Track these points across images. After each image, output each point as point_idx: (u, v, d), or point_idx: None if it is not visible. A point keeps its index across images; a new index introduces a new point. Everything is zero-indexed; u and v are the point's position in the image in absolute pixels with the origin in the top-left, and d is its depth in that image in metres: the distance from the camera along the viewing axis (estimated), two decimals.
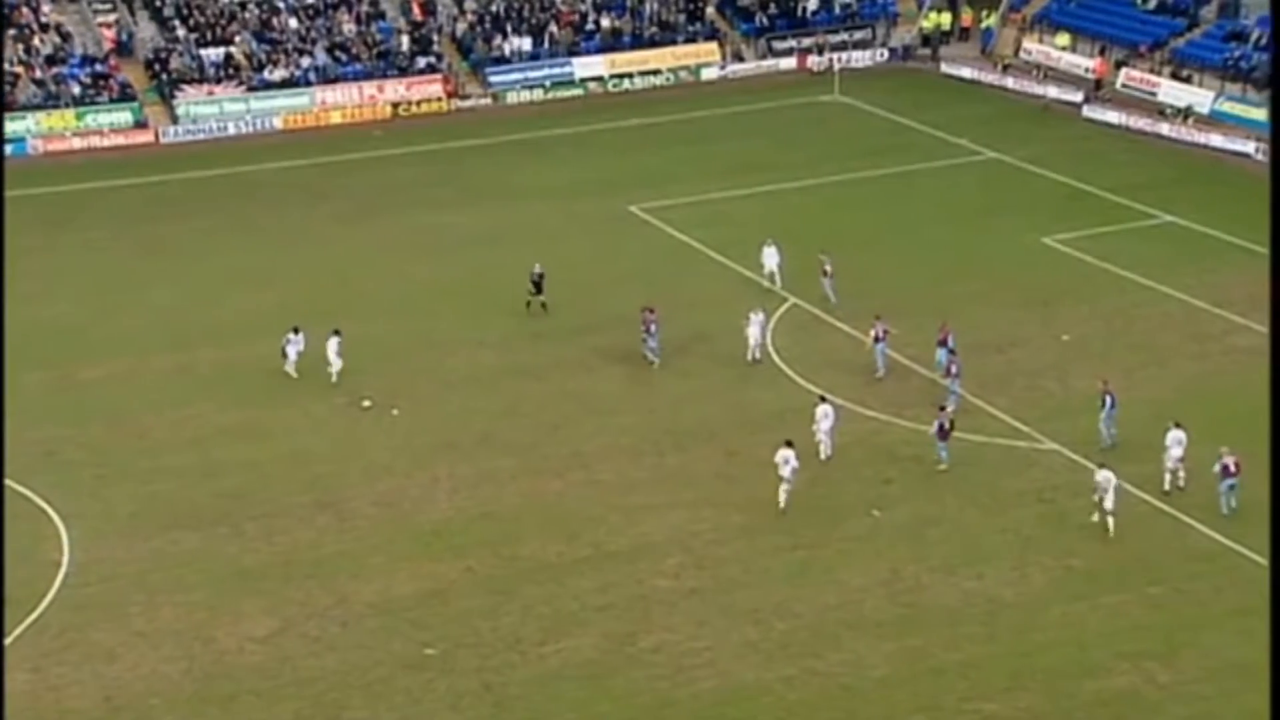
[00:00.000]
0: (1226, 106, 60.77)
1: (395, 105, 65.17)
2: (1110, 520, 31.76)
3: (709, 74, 69.58)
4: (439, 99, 65.76)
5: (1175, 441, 33.25)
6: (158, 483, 34.53)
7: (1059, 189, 53.91)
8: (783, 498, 32.54)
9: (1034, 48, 70.08)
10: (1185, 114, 60.62)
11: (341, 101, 64.86)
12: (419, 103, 65.39)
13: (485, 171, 57.31)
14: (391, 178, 57.01)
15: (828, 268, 43.23)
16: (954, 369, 37.40)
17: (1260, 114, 59.54)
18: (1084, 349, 40.47)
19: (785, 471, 32.32)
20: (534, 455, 35.41)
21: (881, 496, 33.50)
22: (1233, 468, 31.99)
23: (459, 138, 61.54)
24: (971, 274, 45.89)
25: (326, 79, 65.58)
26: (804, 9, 73.34)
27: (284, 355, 39.03)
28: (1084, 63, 67.38)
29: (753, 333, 39.24)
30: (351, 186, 56.00)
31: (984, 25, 73.53)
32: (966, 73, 68.96)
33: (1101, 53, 67.01)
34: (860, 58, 71.72)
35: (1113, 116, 61.75)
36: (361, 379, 38.66)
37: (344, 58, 66.77)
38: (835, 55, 70.71)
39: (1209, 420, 35.41)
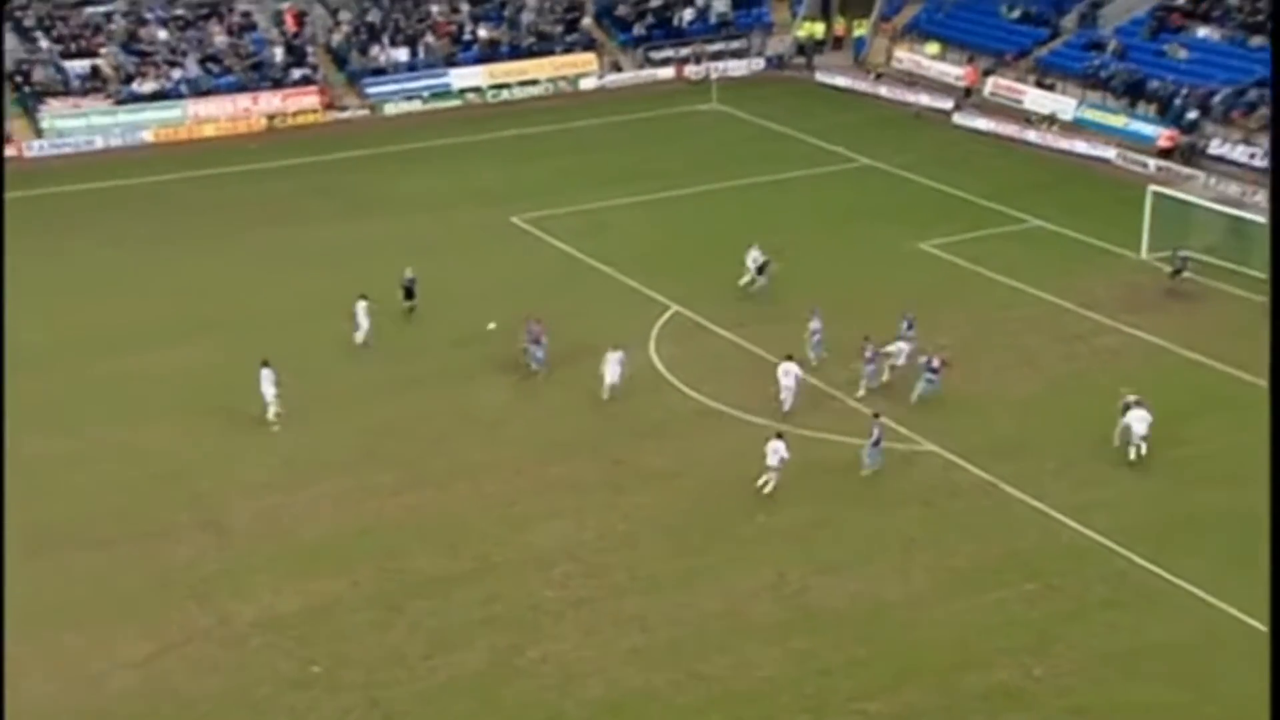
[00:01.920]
0: (1088, 114, 62.02)
1: (270, 117, 64.21)
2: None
3: (587, 84, 69.48)
4: (315, 111, 64.92)
5: (1139, 420, 34.53)
6: (28, 503, 33.49)
7: (933, 195, 54.60)
8: (769, 484, 33.14)
9: (905, 56, 70.97)
10: (1050, 121, 61.76)
11: (214, 114, 63.74)
12: (295, 115, 64.50)
13: (364, 183, 56.63)
14: (268, 190, 56.11)
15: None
16: (869, 358, 37.84)
17: (1119, 120, 60.87)
18: (960, 351, 40.88)
19: (773, 461, 33.04)
20: (417, 468, 34.95)
21: (768, 501, 33.54)
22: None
23: (336, 150, 60.77)
24: (851, 279, 46.22)
25: (198, 91, 64.39)
26: (680, 19, 73.61)
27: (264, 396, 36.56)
28: (953, 71, 68.36)
29: (610, 370, 37.67)
30: (226, 200, 55.01)
31: (856, 35, 74.47)
32: (840, 81, 69.60)
33: (970, 61, 68.04)
34: (737, 67, 72.11)
35: (982, 124, 62.72)
36: (236, 394, 37.79)
37: (216, 69, 65.60)
38: (712, 65, 71.05)
39: (1078, 417, 35.98)
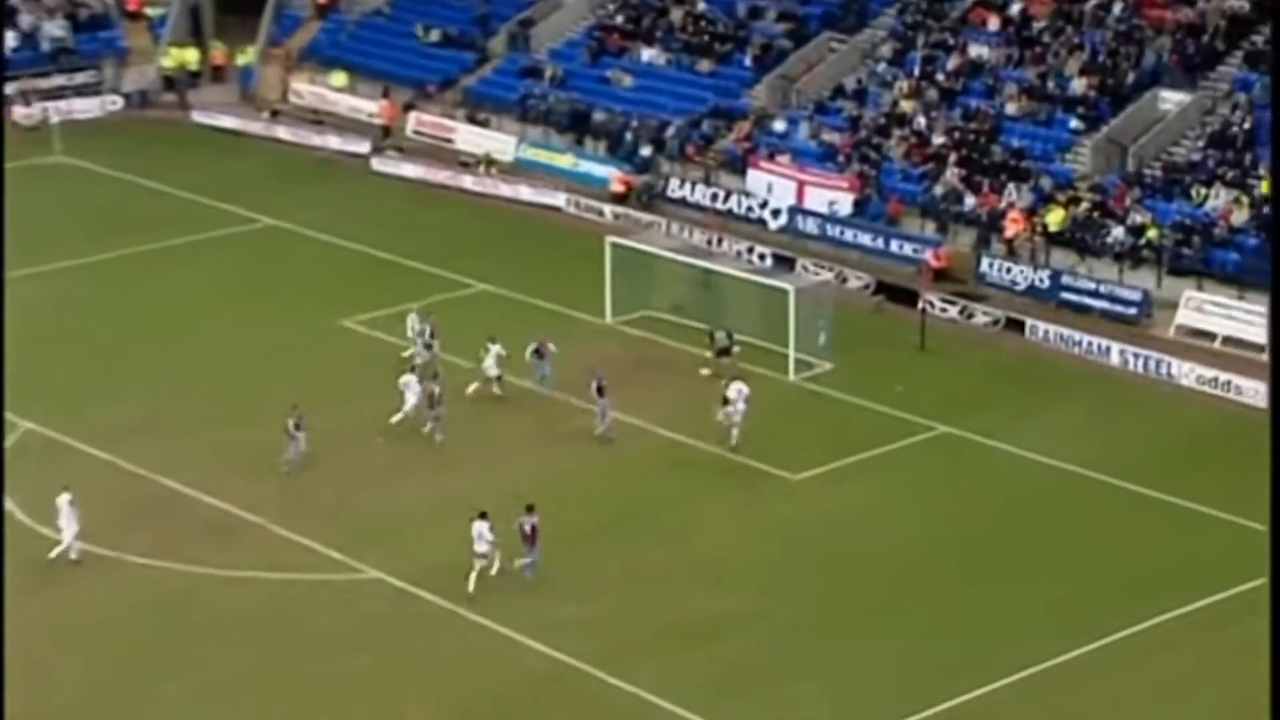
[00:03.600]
0: (530, 153, 63.62)
1: None
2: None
3: None
4: None
5: (738, 394, 40.19)
6: None
7: (353, 259, 54.43)
8: (493, 567, 34.76)
9: (305, 89, 70.66)
10: (487, 163, 62.88)
11: None
12: None
13: None
14: None
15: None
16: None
17: (566, 160, 62.76)
18: (403, 452, 40.70)
19: (481, 547, 34.68)
20: None
21: (177, 660, 32.36)
22: (528, 529, 35.34)
23: None
24: (258, 373, 45.21)
25: None
26: None
27: None
28: (366, 106, 68.56)
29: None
30: None
31: (241, 64, 73.20)
32: (227, 122, 68.36)
33: (385, 94, 68.43)
34: (86, 107, 69.21)
35: (408, 170, 63.18)
36: None
37: None
38: (51, 105, 67.75)
39: (556, 519, 36.51)
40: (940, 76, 59.17)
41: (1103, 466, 40.35)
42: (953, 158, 55.82)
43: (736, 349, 45.52)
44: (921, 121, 57.80)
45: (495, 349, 44.02)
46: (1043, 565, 36.23)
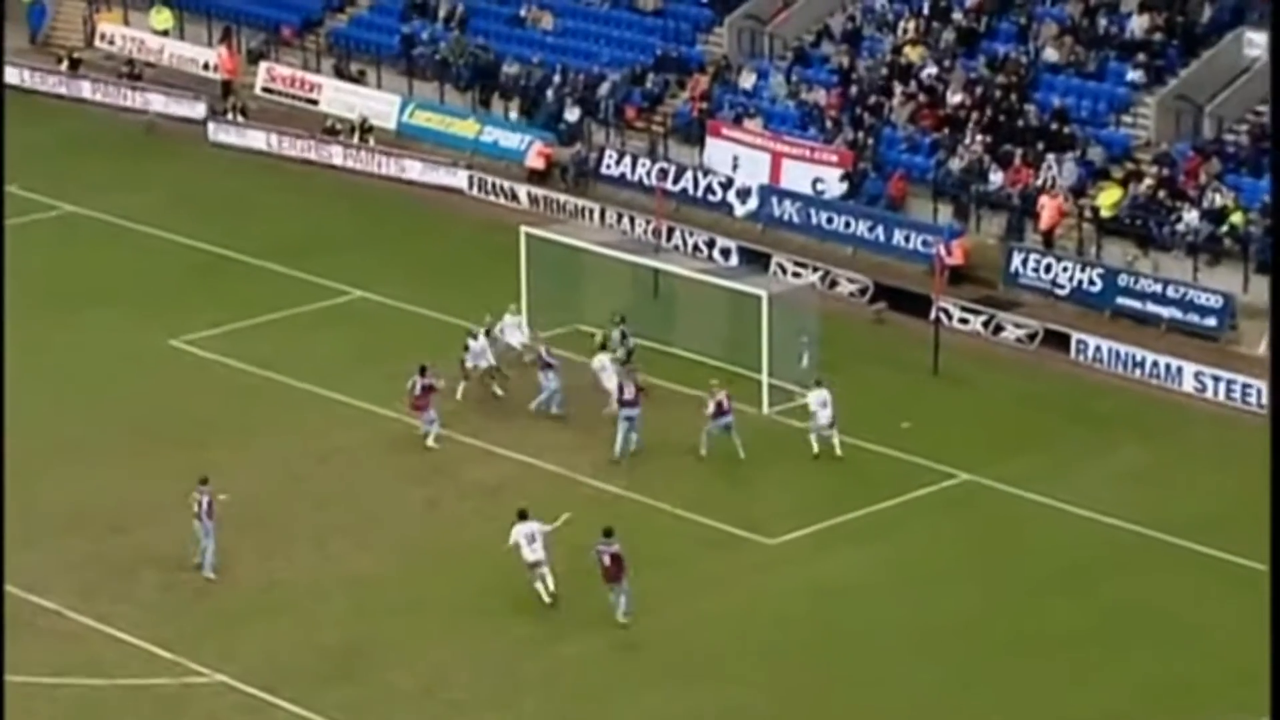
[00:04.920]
0: (419, 118, 63.80)
1: None
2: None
3: None
4: None
5: (820, 403, 43.01)
6: None
7: (186, 257, 54.65)
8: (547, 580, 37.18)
9: (116, 32, 70.70)
10: (362, 130, 62.96)
11: None
12: None
13: None
14: None
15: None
16: None
17: (468, 126, 62.91)
18: (253, 515, 40.82)
19: (537, 553, 37.11)
20: None
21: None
22: (607, 560, 36.87)
23: None
24: (64, 407, 45.31)
25: None
26: None
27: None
28: (201, 56, 68.59)
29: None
30: None
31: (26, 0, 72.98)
32: (13, 76, 68.23)
33: (226, 40, 68.45)
34: None
35: (257, 138, 63.27)
36: None
37: None
38: None
39: (452, 601, 36.51)
40: (957, 15, 59.64)
41: (1170, 524, 40.68)
42: (974, 121, 56.31)
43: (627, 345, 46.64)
44: (933, 73, 58.23)
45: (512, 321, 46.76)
46: (1095, 653, 36.42)
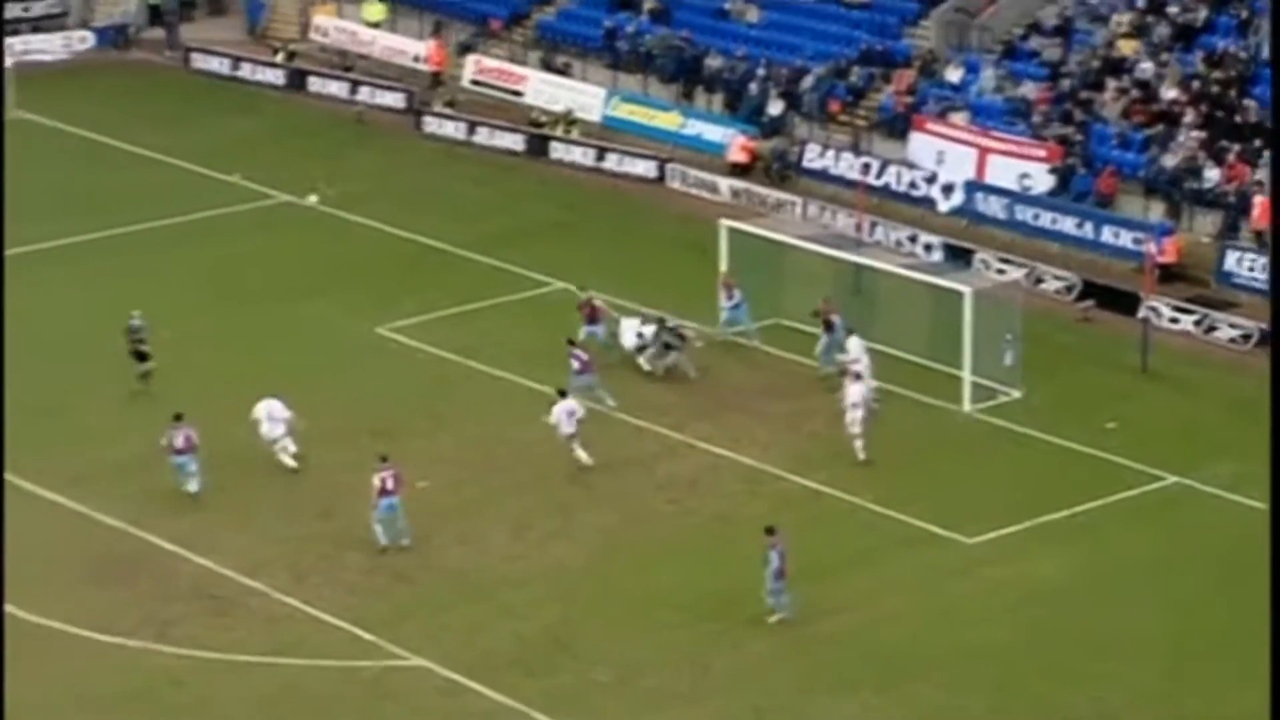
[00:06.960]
0: (622, 110, 63.87)
1: None
2: None
3: None
4: None
5: (858, 348, 44.62)
6: None
7: (394, 247, 55.11)
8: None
9: (330, 24, 71.41)
10: (566, 123, 63.18)
11: None
12: None
13: None
14: None
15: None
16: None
17: (670, 119, 62.90)
18: (447, 499, 41.20)
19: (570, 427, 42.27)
20: None
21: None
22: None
23: None
24: (279, 388, 45.69)
25: None
26: None
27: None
28: (412, 48, 69.15)
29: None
30: None
31: None
32: (228, 67, 69.18)
33: (436, 33, 68.99)
34: (48, 46, 70.28)
35: (460, 130, 63.59)
36: None
37: None
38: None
39: (643, 596, 36.55)
40: (1173, 8, 58.86)
41: None
42: (1189, 117, 55.57)
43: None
44: (1147, 68, 57.57)
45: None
46: None
